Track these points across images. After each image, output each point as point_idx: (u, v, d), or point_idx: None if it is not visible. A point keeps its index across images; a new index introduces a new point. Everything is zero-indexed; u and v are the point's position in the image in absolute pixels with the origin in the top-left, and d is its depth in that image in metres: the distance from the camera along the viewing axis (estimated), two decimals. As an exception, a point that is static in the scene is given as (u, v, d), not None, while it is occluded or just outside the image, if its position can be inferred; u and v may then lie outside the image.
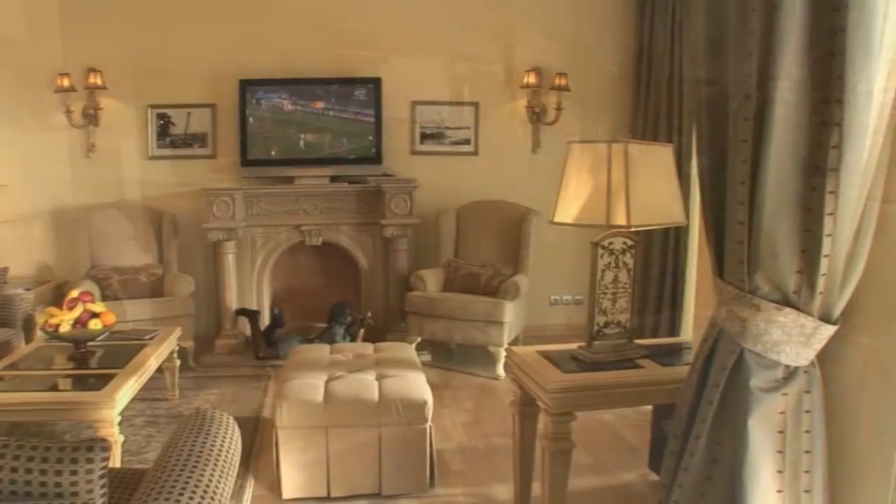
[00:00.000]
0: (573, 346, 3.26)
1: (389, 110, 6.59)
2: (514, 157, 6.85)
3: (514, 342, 5.92)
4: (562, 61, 6.68)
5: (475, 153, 6.85)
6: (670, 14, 5.80)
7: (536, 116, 6.79)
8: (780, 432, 2.00)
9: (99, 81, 6.40)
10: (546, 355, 3.19)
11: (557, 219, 3.09)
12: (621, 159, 2.89)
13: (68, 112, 6.42)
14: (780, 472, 2.01)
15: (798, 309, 1.94)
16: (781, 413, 2.00)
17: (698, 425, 2.12)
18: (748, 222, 1.94)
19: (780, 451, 2.01)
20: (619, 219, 2.88)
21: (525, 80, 6.66)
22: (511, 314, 5.66)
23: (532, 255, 6.10)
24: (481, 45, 6.75)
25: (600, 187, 2.93)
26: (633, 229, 2.95)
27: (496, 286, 5.88)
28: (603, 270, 3.07)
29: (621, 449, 4.30)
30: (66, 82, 6.31)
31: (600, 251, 3.05)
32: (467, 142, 6.84)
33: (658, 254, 5.90)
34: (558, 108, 6.66)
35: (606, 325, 3.13)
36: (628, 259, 3.11)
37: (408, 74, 6.66)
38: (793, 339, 1.96)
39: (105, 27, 6.48)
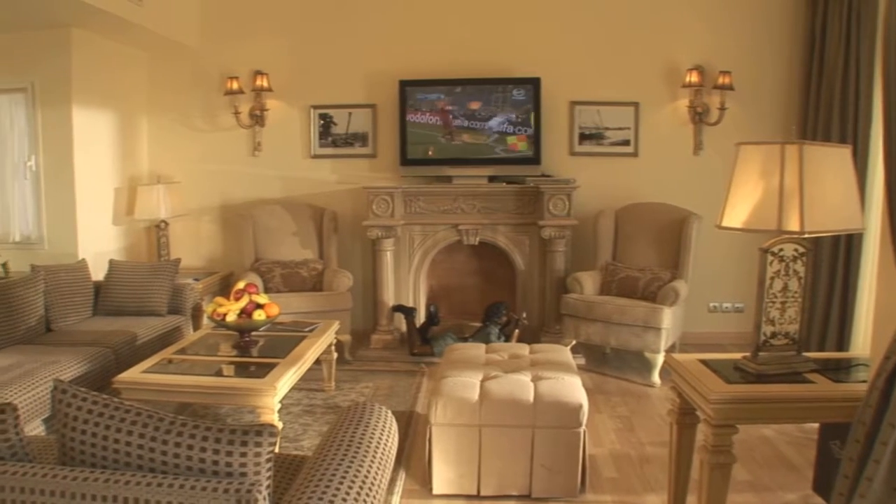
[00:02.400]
0: (736, 355, 3.14)
1: (548, 111, 6.57)
2: (675, 158, 6.67)
3: (671, 349, 5.77)
4: (726, 59, 6.45)
5: (635, 154, 6.71)
6: (846, 3, 5.42)
7: (699, 117, 6.57)
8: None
9: (265, 84, 6.75)
10: (708, 364, 3.08)
11: (725, 223, 2.97)
12: (795, 161, 2.74)
13: (236, 113, 6.80)
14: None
15: None
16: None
17: (878, 449, 1.98)
18: (943, 231, 1.80)
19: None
20: (792, 224, 2.73)
21: (687, 78, 6.46)
22: (669, 320, 5.50)
23: (692, 260, 5.91)
24: (641, 44, 6.61)
25: (772, 191, 2.79)
26: (806, 236, 2.80)
27: (654, 291, 5.73)
28: (772, 278, 2.93)
29: (783, 467, 4.09)
30: (234, 85, 6.70)
31: (770, 258, 2.91)
32: (627, 143, 6.71)
33: (827, 262, 5.55)
34: (722, 108, 6.42)
35: (773, 335, 2.98)
36: (799, 267, 2.95)
37: (567, 74, 6.62)
38: None
39: (271, 32, 6.85)
